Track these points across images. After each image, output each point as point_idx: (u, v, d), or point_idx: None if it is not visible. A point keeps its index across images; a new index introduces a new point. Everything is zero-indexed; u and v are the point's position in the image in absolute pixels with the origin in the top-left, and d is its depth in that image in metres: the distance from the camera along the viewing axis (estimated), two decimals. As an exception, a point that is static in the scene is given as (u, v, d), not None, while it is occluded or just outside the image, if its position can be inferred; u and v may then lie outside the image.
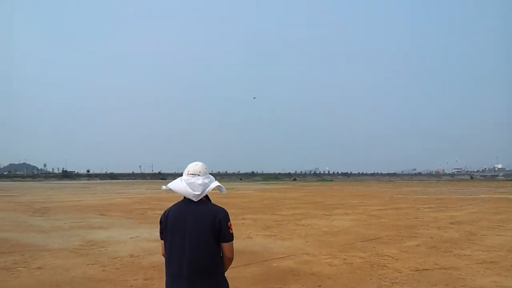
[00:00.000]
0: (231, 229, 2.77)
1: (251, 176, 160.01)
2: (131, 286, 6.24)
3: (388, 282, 6.52)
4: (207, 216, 2.72)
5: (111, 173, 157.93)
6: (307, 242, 10.34)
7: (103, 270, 7.25)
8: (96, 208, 20.84)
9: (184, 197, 2.81)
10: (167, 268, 2.77)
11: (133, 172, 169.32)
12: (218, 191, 2.96)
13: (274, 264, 7.74)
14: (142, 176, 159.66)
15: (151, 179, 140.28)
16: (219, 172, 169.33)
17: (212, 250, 2.72)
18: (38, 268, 7.42)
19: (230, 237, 2.76)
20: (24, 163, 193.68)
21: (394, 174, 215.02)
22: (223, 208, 2.82)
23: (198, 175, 2.79)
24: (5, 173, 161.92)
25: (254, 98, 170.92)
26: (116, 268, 7.40)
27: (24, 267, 7.45)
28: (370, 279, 6.74)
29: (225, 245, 2.76)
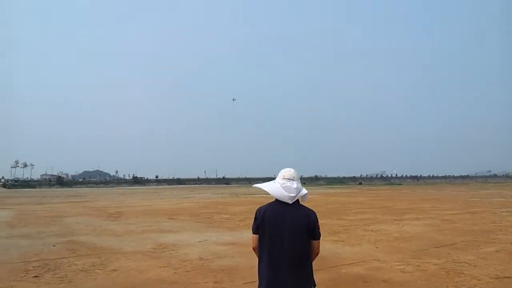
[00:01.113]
0: (319, 229, 3.26)
1: (314, 180, 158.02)
2: (202, 289, 6.36)
3: (467, 290, 6.16)
4: (302, 216, 3.20)
5: (178, 179, 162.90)
6: (377, 248, 10.01)
7: (175, 273, 7.46)
8: (165, 212, 21.57)
9: (276, 199, 3.24)
10: (267, 258, 3.20)
11: (198, 177, 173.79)
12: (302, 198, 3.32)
13: (344, 270, 7.57)
14: (207, 181, 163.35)
15: (215, 184, 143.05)
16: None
17: (306, 245, 3.20)
18: (113, 270, 7.78)
19: (319, 235, 3.26)
20: (97, 170, 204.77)
21: (467, 177, 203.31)
22: (313, 211, 3.27)
23: (293, 179, 3.23)
24: (80, 180, 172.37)
25: (234, 99, 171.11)
26: (186, 271, 7.59)
27: (100, 269, 7.84)
28: (447, 286, 6.40)
29: (314, 242, 3.25)
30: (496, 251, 9.30)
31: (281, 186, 3.20)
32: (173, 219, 17.63)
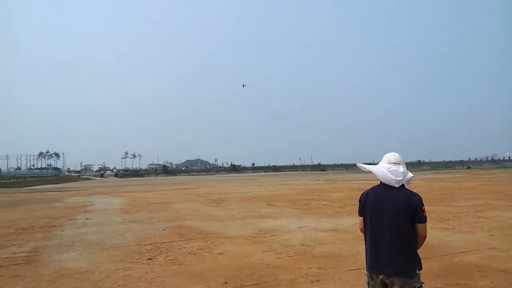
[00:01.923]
0: (425, 212, 3.18)
1: (417, 165, 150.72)
2: (306, 274, 6.38)
3: None
4: (405, 199, 3.19)
5: (274, 166, 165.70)
6: (492, 235, 9.25)
7: (278, 257, 7.57)
8: (263, 198, 22.02)
9: (381, 182, 3.31)
10: (369, 240, 3.33)
11: (293, 164, 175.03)
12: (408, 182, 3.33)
13: (456, 259, 7.10)
14: (303, 167, 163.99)
15: (311, 170, 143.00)
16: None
17: (407, 228, 3.17)
18: (220, 253, 8.12)
19: (423, 219, 3.18)
20: (198, 159, 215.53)
21: None
22: (417, 194, 3.23)
23: (399, 163, 3.28)
24: (183, 168, 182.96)
25: (244, 85, 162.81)
26: (289, 256, 7.66)
27: (208, 253, 8.22)
28: None
29: (419, 226, 3.18)
30: None
31: (388, 170, 3.24)
32: (272, 205, 17.93)
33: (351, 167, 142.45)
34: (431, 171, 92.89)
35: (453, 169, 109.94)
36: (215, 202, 20.34)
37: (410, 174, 3.30)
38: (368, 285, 3.33)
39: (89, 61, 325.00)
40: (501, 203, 16.24)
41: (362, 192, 3.47)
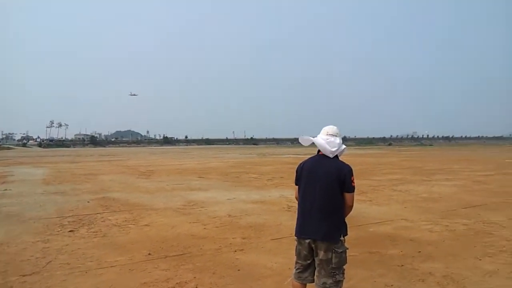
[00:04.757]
0: (354, 183, 3.41)
1: (343, 141, 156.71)
2: (230, 243, 6.54)
3: (495, 250, 6.10)
4: (336, 169, 3.39)
5: (207, 139, 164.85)
6: (405, 208, 9.98)
7: (204, 228, 7.68)
8: (195, 171, 22.00)
9: (318, 152, 3.53)
10: (300, 207, 3.56)
11: (227, 137, 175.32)
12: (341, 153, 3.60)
13: (371, 229, 7.60)
14: (235, 141, 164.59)
15: (243, 144, 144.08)
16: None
17: (336, 197, 3.39)
18: (146, 225, 8.06)
19: (351, 189, 3.40)
20: (129, 130, 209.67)
21: (501, 138, 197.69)
22: (348, 165, 3.47)
23: (336, 135, 3.51)
24: (112, 139, 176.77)
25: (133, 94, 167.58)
26: (216, 227, 7.79)
27: (133, 224, 8.13)
28: (474, 246, 6.35)
29: (347, 195, 3.41)
30: (529, 213, 9.12)
31: (325, 141, 3.45)
32: (202, 177, 17.98)
33: (282, 142, 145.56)
34: (355, 147, 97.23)
35: (375, 145, 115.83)
36: (145, 175, 20.00)
37: (343, 146, 3.54)
38: (296, 249, 3.55)
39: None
40: (416, 178, 17.49)
41: (292, 165, 3.68)
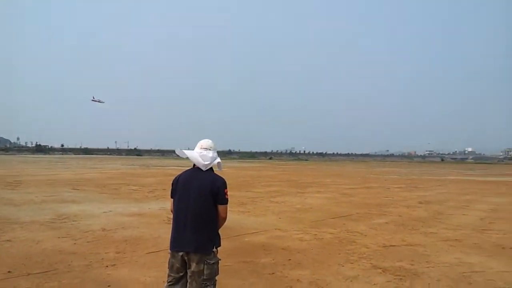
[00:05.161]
0: (227, 195, 3.52)
1: (227, 154, 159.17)
2: (102, 259, 6.24)
3: (356, 256, 6.73)
4: (209, 182, 3.46)
5: (86, 148, 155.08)
6: (279, 218, 10.51)
7: (74, 243, 7.22)
8: (69, 182, 20.55)
9: (194, 166, 3.55)
10: (174, 220, 3.53)
11: (108, 147, 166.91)
12: (217, 167, 3.66)
13: (246, 239, 7.87)
14: (118, 152, 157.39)
15: (126, 155, 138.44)
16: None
17: (210, 209, 3.45)
18: (7, 240, 7.33)
19: (225, 201, 3.50)
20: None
21: (367, 155, 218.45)
22: (222, 178, 3.54)
23: (209, 149, 3.58)
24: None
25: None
26: (87, 242, 7.38)
27: (-8, 240, 7.35)
28: (339, 253, 6.93)
29: (220, 207, 3.50)
30: (386, 223, 10.22)
31: (199, 155, 3.51)
32: (77, 189, 16.87)
33: (167, 153, 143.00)
34: (238, 160, 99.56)
35: (257, 159, 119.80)
36: (11, 185, 18.11)
37: (218, 160, 3.61)
38: (169, 262, 3.51)
39: None
40: (292, 190, 18.54)
41: (175, 176, 3.67)
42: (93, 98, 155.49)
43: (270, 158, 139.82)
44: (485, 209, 13.42)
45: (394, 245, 7.66)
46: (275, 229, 9.00)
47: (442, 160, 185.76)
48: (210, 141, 3.66)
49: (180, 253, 3.41)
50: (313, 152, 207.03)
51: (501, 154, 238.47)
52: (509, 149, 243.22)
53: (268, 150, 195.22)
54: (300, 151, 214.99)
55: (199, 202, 3.43)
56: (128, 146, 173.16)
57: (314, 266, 6.09)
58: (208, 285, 3.40)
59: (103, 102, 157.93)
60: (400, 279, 5.54)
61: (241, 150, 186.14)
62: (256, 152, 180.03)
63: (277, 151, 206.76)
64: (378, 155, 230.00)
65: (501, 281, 5.54)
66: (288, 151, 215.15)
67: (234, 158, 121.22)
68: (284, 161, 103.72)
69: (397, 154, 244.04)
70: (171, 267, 3.50)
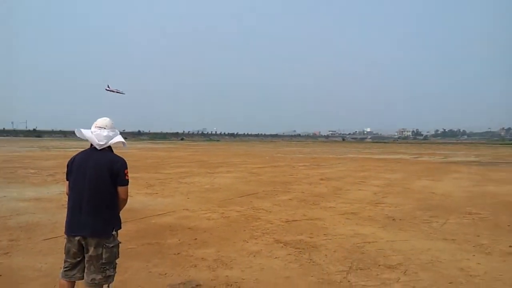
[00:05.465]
0: (127, 176, 3.42)
1: (137, 135, 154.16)
2: (-6, 247, 5.84)
3: (260, 232, 7.01)
4: (108, 162, 3.35)
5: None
6: (188, 198, 10.54)
7: (-39, 232, 6.65)
8: (-46, 167, 18.64)
9: (91, 146, 3.42)
10: (69, 203, 3.39)
11: (4, 128, 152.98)
12: (121, 145, 3.65)
13: (153, 221, 7.79)
14: (15, 133, 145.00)
15: (25, 136, 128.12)
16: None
17: (108, 191, 3.34)
18: None
19: (125, 182, 3.40)
20: None
21: (276, 135, 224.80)
22: (122, 158, 3.44)
23: (104, 128, 3.42)
24: None
25: None
26: (-24, 231, 6.83)
27: None
28: (244, 230, 7.17)
29: (120, 188, 3.40)
30: (290, 199, 10.70)
31: (93, 134, 3.38)
32: (-36, 174, 15.39)
33: (69, 134, 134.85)
34: (149, 141, 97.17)
35: (169, 140, 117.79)
36: None
37: (117, 138, 3.48)
38: (65, 247, 3.37)
39: None
40: (201, 170, 18.60)
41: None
42: (108, 87, 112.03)
43: (182, 139, 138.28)
44: (379, 184, 14.57)
45: (296, 220, 8.08)
46: (183, 209, 9.01)
47: (343, 139, 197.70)
48: (108, 119, 3.51)
49: (77, 238, 3.28)
50: (224, 133, 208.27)
51: (396, 134, 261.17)
52: (403, 129, 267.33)
53: (180, 131, 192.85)
54: (212, 132, 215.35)
55: (96, 183, 3.29)
56: (26, 127, 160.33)
57: (220, 244, 6.24)
58: (107, 269, 3.32)
59: (124, 94, 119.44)
60: (300, 252, 5.89)
61: (152, 131, 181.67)
62: (167, 133, 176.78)
63: (189, 132, 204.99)
64: (286, 135, 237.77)
65: (390, 249, 6.10)
66: (200, 132, 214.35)
67: (144, 140, 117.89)
68: (196, 142, 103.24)
69: (303, 135, 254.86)
70: (67, 252, 3.36)
